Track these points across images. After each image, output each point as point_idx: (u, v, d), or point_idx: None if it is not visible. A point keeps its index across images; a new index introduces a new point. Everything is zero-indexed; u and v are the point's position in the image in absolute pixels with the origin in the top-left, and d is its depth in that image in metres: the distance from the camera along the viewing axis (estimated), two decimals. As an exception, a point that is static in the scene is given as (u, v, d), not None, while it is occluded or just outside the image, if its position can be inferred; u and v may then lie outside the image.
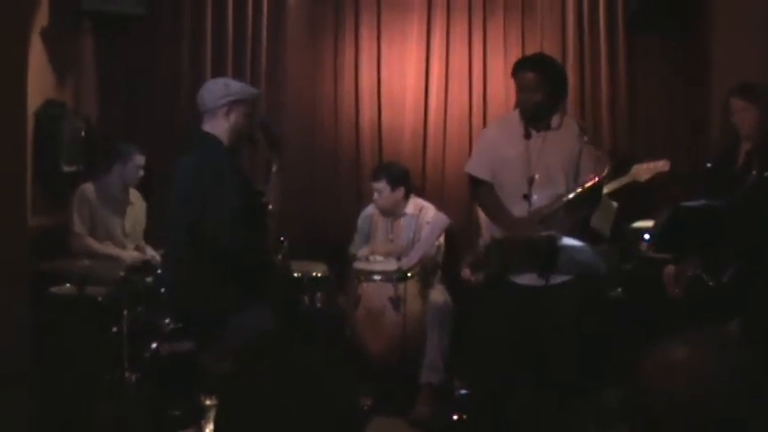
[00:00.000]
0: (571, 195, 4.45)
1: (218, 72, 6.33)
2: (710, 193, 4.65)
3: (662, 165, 5.60)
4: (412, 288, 5.62)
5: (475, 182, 4.92)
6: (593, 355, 4.79)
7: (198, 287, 4.23)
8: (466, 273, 5.65)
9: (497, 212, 4.77)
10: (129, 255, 5.80)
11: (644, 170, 5.61)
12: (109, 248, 5.75)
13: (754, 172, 4.52)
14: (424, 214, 6.07)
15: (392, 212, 6.12)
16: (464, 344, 5.70)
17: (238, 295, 4.17)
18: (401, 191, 6.06)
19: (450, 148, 6.66)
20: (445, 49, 6.68)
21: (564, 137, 4.63)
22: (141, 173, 5.90)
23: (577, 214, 4.62)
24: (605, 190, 5.31)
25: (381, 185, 6.03)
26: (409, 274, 5.61)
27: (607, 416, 4.80)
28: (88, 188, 5.78)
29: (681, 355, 1.55)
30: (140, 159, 5.87)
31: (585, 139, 4.59)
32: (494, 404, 4.75)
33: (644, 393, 1.56)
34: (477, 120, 6.63)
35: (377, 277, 5.69)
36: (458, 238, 6.33)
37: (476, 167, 4.90)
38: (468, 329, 5.67)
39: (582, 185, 4.44)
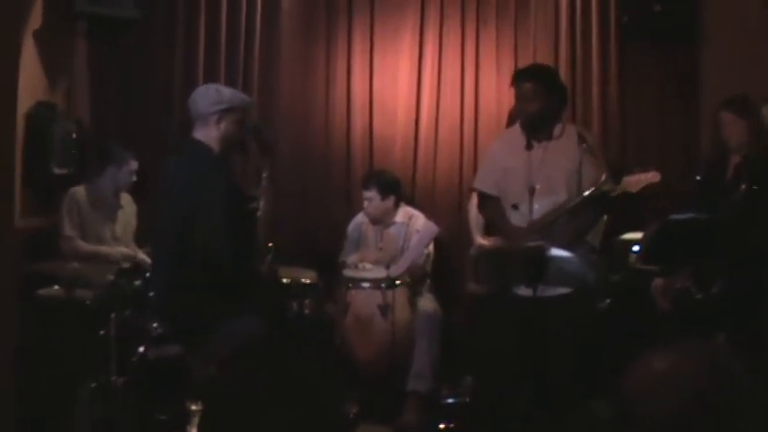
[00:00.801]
0: (570, 205, 4.49)
1: (211, 77, 6.34)
2: (700, 205, 4.67)
3: (652, 176, 5.56)
4: (400, 296, 5.62)
5: (482, 197, 4.96)
6: (584, 366, 4.80)
7: (185, 294, 4.23)
8: (471, 286, 5.63)
9: (502, 225, 4.81)
10: (119, 251, 5.80)
11: (634, 181, 5.56)
12: (98, 248, 5.74)
13: (743, 185, 4.53)
14: (413, 223, 6.07)
15: (382, 221, 6.12)
16: (455, 353, 5.70)
17: (225, 303, 4.17)
18: (391, 199, 6.06)
19: (441, 158, 6.65)
20: (437, 59, 6.68)
21: (565, 146, 4.65)
22: (134, 178, 5.89)
23: (580, 223, 4.65)
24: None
25: (371, 194, 6.03)
26: (398, 282, 5.62)
27: (596, 426, 4.80)
28: (79, 191, 5.77)
29: (664, 366, 1.55)
30: (134, 164, 5.87)
31: (584, 146, 4.61)
32: (493, 414, 4.76)
33: (629, 403, 1.56)
34: (468, 129, 6.64)
35: (365, 284, 5.69)
36: (448, 246, 6.34)
37: (482, 182, 4.96)
38: (460, 339, 5.68)
39: (581, 195, 4.49)
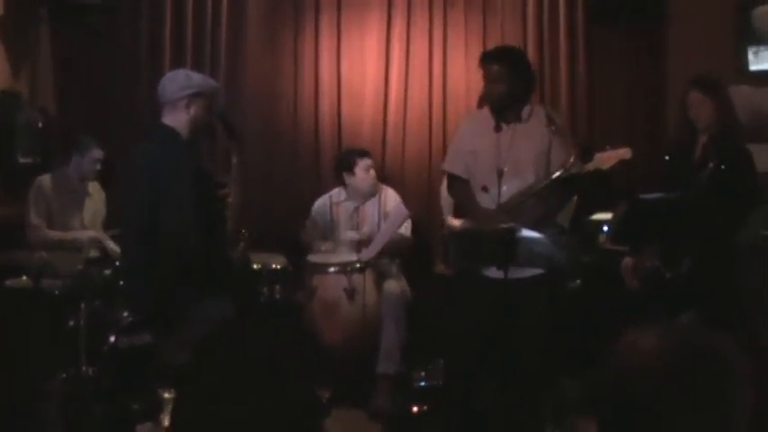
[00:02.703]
0: (539, 187, 4.49)
1: (178, 63, 6.29)
2: (668, 185, 4.69)
3: (624, 153, 5.59)
4: (368, 279, 5.62)
5: (451, 179, 4.95)
6: (553, 347, 4.81)
7: (155, 282, 4.21)
8: (440, 268, 5.64)
9: (471, 207, 4.80)
10: (86, 234, 5.76)
11: (606, 158, 5.58)
12: (65, 234, 5.71)
13: (711, 164, 4.56)
14: (384, 194, 6.06)
15: (371, 192, 6.06)
16: (426, 335, 5.70)
17: (196, 290, 4.16)
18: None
19: (410, 140, 6.64)
20: (405, 41, 6.66)
21: (534, 128, 4.65)
22: (98, 167, 5.85)
23: (549, 205, 4.65)
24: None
25: (371, 162, 6.01)
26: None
27: (564, 406, 4.83)
28: (44, 180, 5.73)
29: (651, 344, 1.57)
30: (98, 153, 5.83)
31: (553, 128, 4.61)
32: (461, 396, 4.76)
33: (616, 382, 1.57)
34: (437, 113, 6.63)
35: (332, 269, 5.69)
36: (418, 228, 6.33)
37: (451, 164, 4.94)
38: (431, 320, 5.68)
39: (549, 177, 4.49)
